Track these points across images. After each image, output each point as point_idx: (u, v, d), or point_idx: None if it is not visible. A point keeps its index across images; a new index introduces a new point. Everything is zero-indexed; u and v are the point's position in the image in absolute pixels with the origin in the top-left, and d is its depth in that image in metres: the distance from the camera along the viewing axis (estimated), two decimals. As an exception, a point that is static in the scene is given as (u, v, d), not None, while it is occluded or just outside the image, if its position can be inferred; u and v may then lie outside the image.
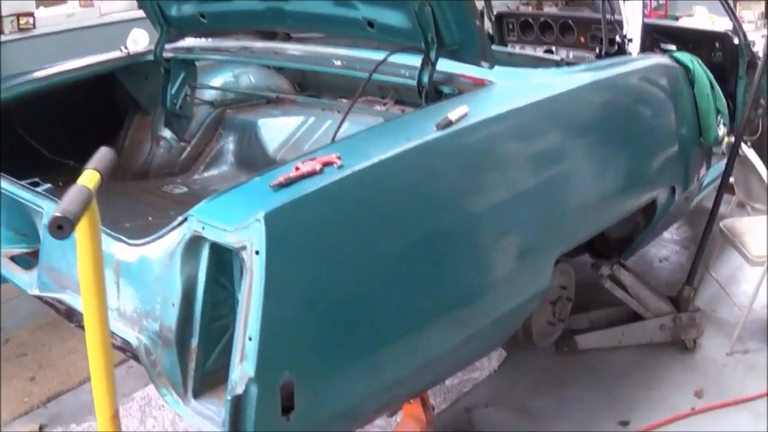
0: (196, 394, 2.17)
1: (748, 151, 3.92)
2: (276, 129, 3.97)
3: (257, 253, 1.89)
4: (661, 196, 3.54)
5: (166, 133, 4.17)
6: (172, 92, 3.98)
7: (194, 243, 2.07)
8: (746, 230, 4.10)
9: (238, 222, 1.94)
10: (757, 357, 4.01)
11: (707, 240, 4.02)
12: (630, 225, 3.72)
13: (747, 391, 3.72)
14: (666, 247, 5.28)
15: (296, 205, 2.00)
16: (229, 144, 4.12)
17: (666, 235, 5.16)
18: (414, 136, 2.34)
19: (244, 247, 1.92)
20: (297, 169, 2.11)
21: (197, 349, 2.13)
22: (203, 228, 2.02)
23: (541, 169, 2.67)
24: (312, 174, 2.09)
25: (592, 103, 3.04)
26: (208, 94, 4.20)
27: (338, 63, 3.20)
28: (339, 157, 2.16)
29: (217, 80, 4.23)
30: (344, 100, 3.89)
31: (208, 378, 2.17)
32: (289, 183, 2.06)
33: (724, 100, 3.87)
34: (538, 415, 3.61)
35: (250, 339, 1.89)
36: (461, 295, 2.42)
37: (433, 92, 2.82)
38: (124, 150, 4.15)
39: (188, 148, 4.14)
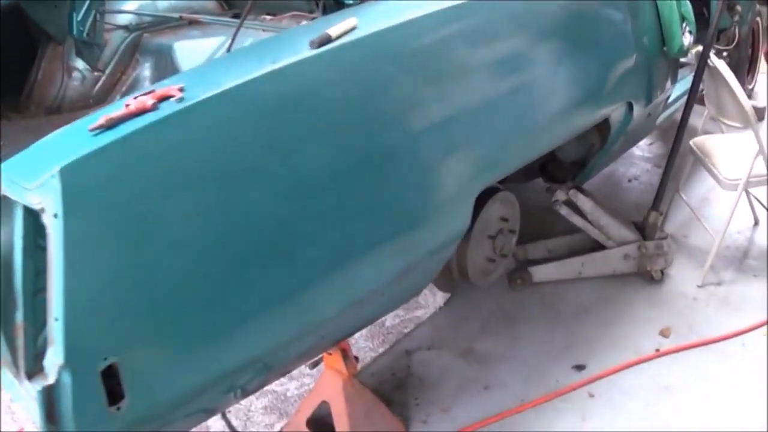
0: (30, 375, 1.84)
1: (718, 62, 3.50)
2: (196, 52, 3.59)
3: (55, 216, 1.55)
4: (616, 113, 3.15)
5: (79, 64, 3.83)
6: (78, 18, 3.61)
7: (6, 202, 1.72)
8: (718, 149, 3.73)
9: (36, 179, 1.59)
10: (731, 290, 3.66)
11: (674, 160, 3.64)
12: (584, 146, 3.34)
13: (718, 329, 3.39)
14: (636, 166, 4.89)
15: (105, 154, 1.62)
16: (146, 71, 3.76)
17: (636, 151, 4.77)
18: (282, 56, 1.96)
19: (43, 209, 1.57)
20: (126, 106, 1.74)
21: (24, 325, 1.79)
22: (9, 186, 1.67)
23: (452, 90, 2.29)
24: (141, 112, 1.72)
25: (523, 7, 2.62)
26: (123, 18, 3.80)
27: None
28: (181, 89, 1.79)
29: (132, 2, 3.83)
30: (268, 17, 3.49)
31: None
32: (111, 125, 1.70)
33: (690, 6, 3.45)
34: (484, 358, 3.29)
35: (56, 320, 1.56)
36: (349, 247, 2.06)
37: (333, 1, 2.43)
38: (37, 83, 3.81)
39: (102, 78, 3.79)
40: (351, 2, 2.38)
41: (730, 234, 3.77)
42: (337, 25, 2.05)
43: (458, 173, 2.33)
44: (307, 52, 1.97)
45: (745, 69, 5.49)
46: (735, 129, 3.60)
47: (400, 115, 2.14)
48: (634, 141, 3.80)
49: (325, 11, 2.38)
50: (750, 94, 5.71)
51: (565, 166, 3.43)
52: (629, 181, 4.72)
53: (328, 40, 2.00)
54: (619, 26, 3.07)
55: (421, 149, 2.19)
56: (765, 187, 3.64)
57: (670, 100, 3.77)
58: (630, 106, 3.18)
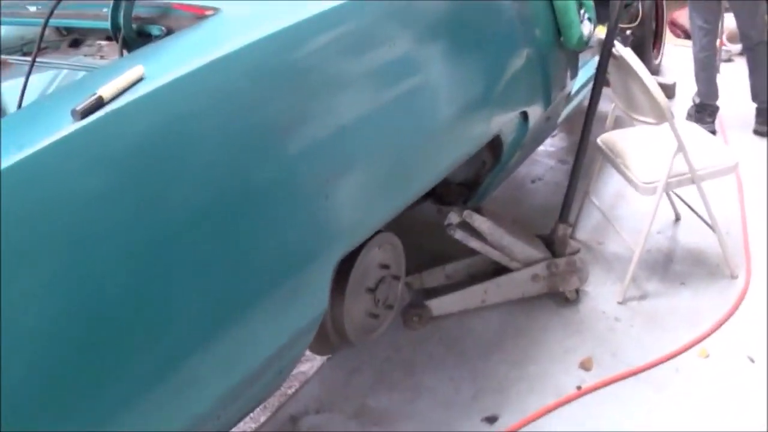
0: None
1: (625, 51, 3.03)
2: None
3: None
4: (509, 126, 2.67)
5: None
6: None
7: None
8: (630, 148, 3.28)
9: None
10: (656, 304, 3.23)
11: (580, 167, 3.17)
12: (474, 165, 2.85)
13: (647, 353, 2.96)
14: (539, 164, 4.42)
15: None
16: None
17: (541, 147, 4.30)
18: (41, 133, 1.40)
19: None
20: None
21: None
22: None
23: (275, 156, 1.73)
24: None
25: (370, 22, 2.03)
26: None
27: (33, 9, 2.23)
28: None
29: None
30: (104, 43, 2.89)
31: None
32: None
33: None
34: (381, 417, 2.78)
35: None
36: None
37: (137, 37, 1.86)
38: None
39: None
40: (158, 33, 1.83)
41: (650, 234, 3.29)
42: (116, 80, 1.49)
43: (302, 249, 1.80)
44: (69, 126, 1.41)
45: (650, 45, 5.08)
46: (648, 124, 3.12)
47: (199, 197, 1.59)
48: (532, 149, 3.33)
49: (127, 46, 1.81)
50: (657, 70, 5.30)
51: (452, 189, 2.93)
52: (533, 182, 4.25)
53: (98, 105, 1.44)
54: (503, 25, 2.57)
55: (242, 224, 1.65)
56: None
57: (572, 93, 3.30)
58: (525, 116, 2.70)
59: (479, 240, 3.09)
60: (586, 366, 2.90)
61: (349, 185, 1.91)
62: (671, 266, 3.43)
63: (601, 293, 3.27)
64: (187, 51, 1.66)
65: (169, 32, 1.78)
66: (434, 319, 3.15)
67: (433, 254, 3.23)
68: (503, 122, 2.56)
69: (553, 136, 4.42)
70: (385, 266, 2.47)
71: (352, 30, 1.90)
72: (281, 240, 1.72)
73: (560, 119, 3.34)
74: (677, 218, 3.71)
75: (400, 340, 3.10)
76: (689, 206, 3.55)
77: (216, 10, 1.80)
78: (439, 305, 3.16)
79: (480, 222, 3.04)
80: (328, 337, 2.42)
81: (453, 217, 3.00)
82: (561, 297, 3.23)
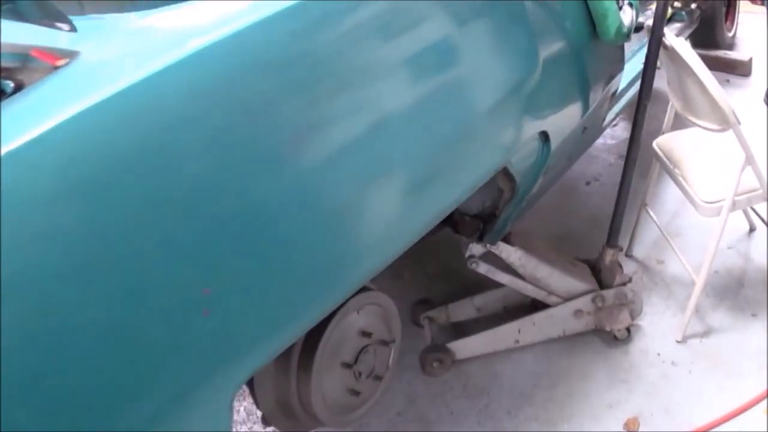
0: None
1: (678, 43, 2.48)
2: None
3: None
4: (522, 153, 2.16)
5: None
6: None
7: None
8: (691, 156, 2.75)
9: None
10: (722, 342, 2.72)
11: (630, 177, 2.65)
12: (489, 195, 2.36)
13: (707, 408, 2.47)
14: (596, 161, 3.86)
15: None
16: None
17: (599, 140, 3.72)
18: None
19: None
20: None
21: None
22: None
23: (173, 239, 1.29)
24: None
25: (311, 43, 1.50)
26: None
27: None
28: None
29: None
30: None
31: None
32: None
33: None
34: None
35: None
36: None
37: None
38: None
39: None
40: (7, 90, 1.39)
41: (719, 250, 2.74)
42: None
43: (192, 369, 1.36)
44: None
45: (722, 16, 4.43)
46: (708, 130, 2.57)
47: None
48: (565, 168, 2.79)
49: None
50: (731, 44, 4.64)
51: (467, 222, 2.45)
52: (587, 183, 3.71)
53: None
54: (517, 26, 2.06)
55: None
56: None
57: (619, 90, 2.76)
58: (545, 136, 2.19)
59: (509, 273, 2.61)
60: (630, 428, 2.42)
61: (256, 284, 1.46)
62: (742, 291, 2.90)
63: (657, 329, 2.77)
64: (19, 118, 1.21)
65: (19, 88, 1.34)
66: (457, 362, 2.68)
67: (461, 282, 2.75)
68: (510, 150, 2.05)
69: (615, 125, 3.83)
70: (367, 334, 2.01)
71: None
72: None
73: (607, 121, 2.81)
74: (752, 229, 3.16)
75: (417, 388, 2.67)
76: (762, 219, 2.98)
77: (74, 54, 1.34)
78: (463, 348, 2.71)
79: (508, 252, 2.57)
80: (297, 418, 2.00)
81: (475, 249, 2.53)
82: (609, 333, 2.70)
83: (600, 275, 2.74)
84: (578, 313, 2.70)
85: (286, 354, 1.76)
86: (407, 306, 2.95)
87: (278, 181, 1.42)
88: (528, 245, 2.64)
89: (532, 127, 2.11)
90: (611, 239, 2.69)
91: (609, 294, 2.69)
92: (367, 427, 2.56)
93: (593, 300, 2.68)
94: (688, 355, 2.66)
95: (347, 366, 1.98)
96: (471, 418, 2.54)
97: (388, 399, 2.64)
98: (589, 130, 2.56)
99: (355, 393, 2.04)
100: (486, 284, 2.69)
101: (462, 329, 2.84)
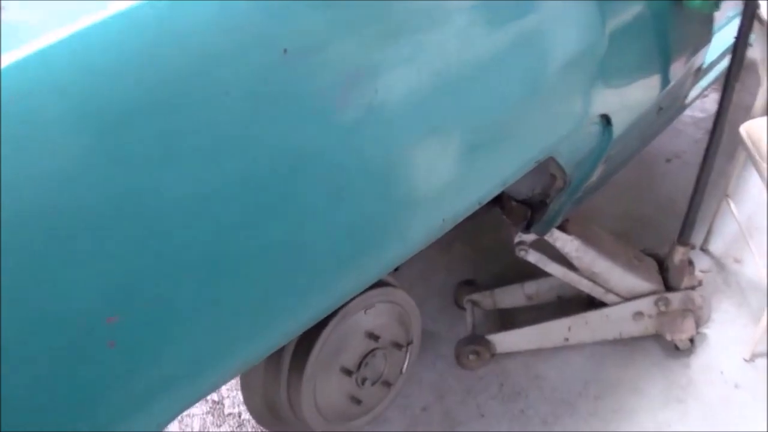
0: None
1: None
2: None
3: None
4: (573, 143, 1.84)
5: None
6: None
7: None
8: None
9: None
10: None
11: (710, 166, 2.28)
12: (540, 180, 2.05)
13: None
14: (680, 136, 3.45)
15: None
16: None
17: (687, 112, 3.32)
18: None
19: None
20: None
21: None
22: None
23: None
24: None
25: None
26: None
27: None
28: None
29: None
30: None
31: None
32: None
33: None
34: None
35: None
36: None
37: None
38: None
39: None
40: None
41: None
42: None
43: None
44: None
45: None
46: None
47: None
48: (639, 148, 2.44)
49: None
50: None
51: (513, 208, 2.14)
52: (668, 160, 3.33)
53: None
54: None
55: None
56: None
57: (705, 64, 2.39)
58: (606, 120, 1.85)
59: (562, 265, 2.31)
60: (686, 453, 2.12)
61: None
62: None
63: (724, 341, 2.44)
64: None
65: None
66: (496, 356, 2.41)
67: (514, 263, 2.45)
68: (558, 137, 1.73)
69: (705, 96, 3.42)
70: (375, 336, 1.75)
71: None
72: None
73: (691, 99, 2.44)
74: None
75: (448, 382, 2.41)
76: None
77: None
78: (505, 341, 2.44)
79: (563, 242, 2.26)
80: (286, 422, 1.78)
81: (525, 236, 2.23)
82: (669, 343, 2.40)
83: (667, 274, 2.41)
84: (638, 315, 2.39)
85: (278, 351, 1.50)
86: (453, 283, 2.67)
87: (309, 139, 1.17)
88: (587, 234, 2.33)
89: (589, 110, 1.78)
90: (683, 236, 2.35)
91: (675, 298, 2.37)
92: (388, 422, 2.30)
93: (656, 303, 2.37)
94: (754, 377, 2.33)
95: (347, 372, 1.72)
96: (503, 423, 2.28)
97: (415, 391, 2.39)
98: (667, 110, 2.22)
99: (357, 401, 1.79)
100: (540, 270, 2.37)
101: (507, 318, 2.56)
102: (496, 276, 2.67)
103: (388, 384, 1.86)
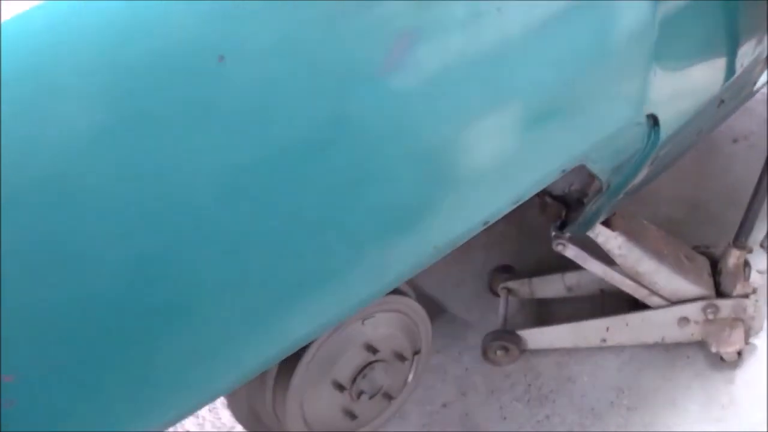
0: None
1: None
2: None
3: None
4: (610, 150, 1.62)
5: None
6: None
7: None
8: None
9: None
10: None
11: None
12: (579, 178, 1.85)
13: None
14: (748, 114, 3.14)
15: None
16: None
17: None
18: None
19: None
20: None
21: None
22: None
23: None
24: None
25: None
26: None
27: None
28: None
29: None
30: None
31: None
32: None
33: None
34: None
35: None
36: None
37: None
38: None
39: None
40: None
41: None
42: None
43: None
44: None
45: None
46: None
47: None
48: (695, 141, 2.20)
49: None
50: None
51: (548, 205, 1.95)
52: (734, 141, 3.05)
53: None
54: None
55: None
56: None
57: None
58: (654, 120, 1.64)
59: (604, 263, 2.12)
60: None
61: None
62: None
63: (777, 355, 2.21)
64: None
65: None
66: (527, 352, 2.24)
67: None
68: (585, 146, 1.52)
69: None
70: (374, 349, 1.60)
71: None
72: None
73: (759, 85, 2.20)
74: None
75: (473, 378, 2.26)
76: None
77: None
78: (538, 337, 2.27)
79: (606, 237, 2.07)
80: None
81: (564, 230, 2.05)
82: (714, 354, 2.20)
83: (720, 278, 2.20)
84: (683, 321, 2.19)
85: None
86: (492, 265, 2.52)
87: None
88: (634, 229, 2.14)
89: (631, 111, 1.56)
90: (740, 238, 2.13)
91: (725, 305, 2.16)
92: (405, 417, 2.17)
93: (704, 309, 2.17)
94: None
95: (339, 387, 1.58)
96: (525, 428, 2.11)
97: (437, 385, 2.25)
98: (729, 102, 1.98)
99: (352, 415, 1.64)
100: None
101: (544, 310, 2.39)
102: (538, 261, 2.48)
103: (389, 397, 1.71)
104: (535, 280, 2.40)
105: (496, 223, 1.41)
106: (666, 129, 1.65)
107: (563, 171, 1.47)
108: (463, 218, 1.33)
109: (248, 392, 1.62)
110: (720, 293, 2.18)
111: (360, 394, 1.64)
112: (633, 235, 2.12)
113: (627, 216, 2.15)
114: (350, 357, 1.60)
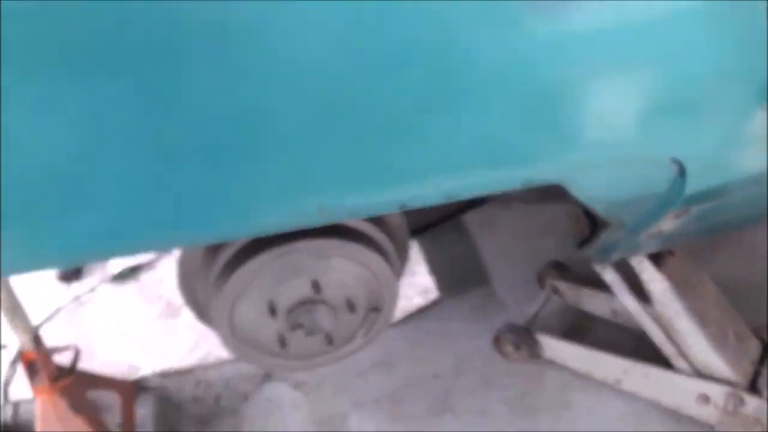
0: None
1: None
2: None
3: None
4: (600, 178, 1.44)
5: None
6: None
7: None
8: None
9: None
10: None
11: None
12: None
13: None
14: None
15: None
16: None
17: None
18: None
19: None
20: None
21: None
22: None
23: None
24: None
25: None
26: None
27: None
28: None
29: None
30: None
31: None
32: None
33: None
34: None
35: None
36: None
37: None
38: None
39: None
40: None
41: None
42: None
43: None
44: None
45: None
46: None
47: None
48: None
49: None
50: None
51: (576, 214, 1.81)
52: None
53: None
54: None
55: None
56: None
57: None
58: (680, 168, 1.45)
59: (639, 300, 1.97)
60: None
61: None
62: None
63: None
64: None
65: None
66: (538, 359, 2.15)
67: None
68: (561, 164, 1.36)
69: None
70: (319, 288, 1.58)
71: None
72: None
73: None
74: None
75: (475, 360, 2.18)
76: None
77: None
78: (555, 348, 2.17)
79: (651, 277, 1.92)
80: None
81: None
82: (729, 444, 2.00)
83: (760, 369, 1.98)
84: (703, 398, 2.00)
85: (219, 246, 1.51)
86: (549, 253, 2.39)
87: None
88: (688, 281, 1.96)
89: (632, 143, 1.35)
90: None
91: (751, 402, 1.94)
92: (391, 367, 2.14)
93: (728, 396, 1.96)
94: None
95: (272, 310, 1.57)
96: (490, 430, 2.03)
97: (441, 352, 2.20)
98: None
99: (283, 343, 1.63)
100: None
101: (584, 322, 2.24)
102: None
103: (330, 341, 1.68)
104: (584, 290, 2.26)
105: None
106: (697, 183, 1.47)
107: (528, 181, 1.34)
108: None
109: (197, 272, 1.64)
110: (753, 387, 1.96)
111: (297, 326, 1.61)
112: (683, 287, 1.94)
113: (686, 263, 1.96)
114: (293, 286, 1.57)
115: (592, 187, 1.41)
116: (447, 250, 2.41)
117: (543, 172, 1.32)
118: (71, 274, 2.70)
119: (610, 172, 1.40)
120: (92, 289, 2.61)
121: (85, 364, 2.24)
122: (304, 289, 1.58)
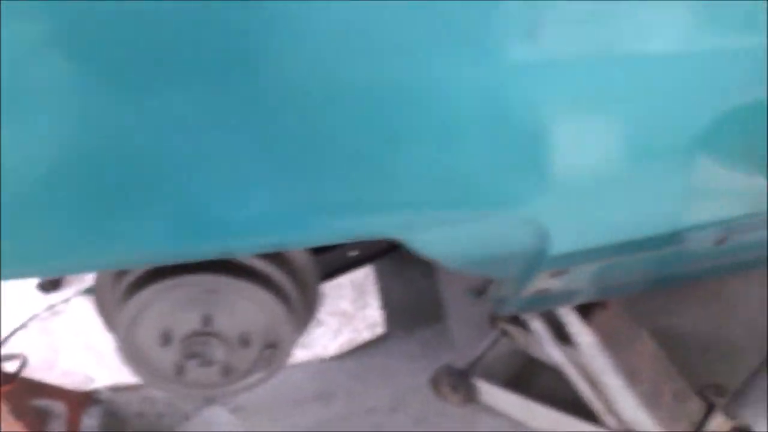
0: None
1: None
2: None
3: None
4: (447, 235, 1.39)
5: None
6: None
7: None
8: None
9: None
10: None
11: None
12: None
13: None
14: None
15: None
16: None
17: None
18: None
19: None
20: None
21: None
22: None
23: None
24: None
25: None
26: None
27: None
28: None
29: None
30: None
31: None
32: None
33: None
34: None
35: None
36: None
37: None
38: None
39: None
40: None
41: None
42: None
43: None
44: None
45: None
46: None
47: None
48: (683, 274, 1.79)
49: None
50: None
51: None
52: None
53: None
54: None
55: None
56: None
57: None
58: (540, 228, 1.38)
59: (563, 354, 1.91)
60: None
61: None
62: None
63: None
64: None
65: None
66: (476, 403, 2.10)
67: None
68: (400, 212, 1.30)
69: None
70: (210, 321, 1.58)
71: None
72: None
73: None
74: None
75: (413, 398, 2.15)
76: None
77: None
78: (490, 394, 2.12)
79: (578, 330, 1.85)
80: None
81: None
82: None
83: (702, 429, 1.89)
84: (627, 462, 1.91)
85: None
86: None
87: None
88: (617, 335, 1.88)
89: (477, 194, 1.29)
90: (732, 407, 1.80)
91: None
92: (330, 398, 2.13)
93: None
94: None
95: (165, 338, 1.59)
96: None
97: (380, 385, 2.20)
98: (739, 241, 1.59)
99: (179, 371, 1.64)
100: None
101: (532, 368, 2.18)
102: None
103: (227, 374, 1.68)
104: (533, 336, 2.19)
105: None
106: (559, 244, 1.40)
107: (357, 236, 1.31)
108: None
109: (109, 290, 1.66)
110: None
111: (191, 356, 1.62)
112: (612, 341, 1.86)
113: (621, 317, 1.88)
114: (185, 318, 1.58)
115: (437, 243, 1.36)
116: (406, 283, 2.37)
117: (372, 227, 1.28)
118: (50, 284, 2.78)
119: (458, 230, 1.35)
120: (66, 300, 2.67)
121: (46, 373, 2.30)
122: (195, 322, 1.58)
